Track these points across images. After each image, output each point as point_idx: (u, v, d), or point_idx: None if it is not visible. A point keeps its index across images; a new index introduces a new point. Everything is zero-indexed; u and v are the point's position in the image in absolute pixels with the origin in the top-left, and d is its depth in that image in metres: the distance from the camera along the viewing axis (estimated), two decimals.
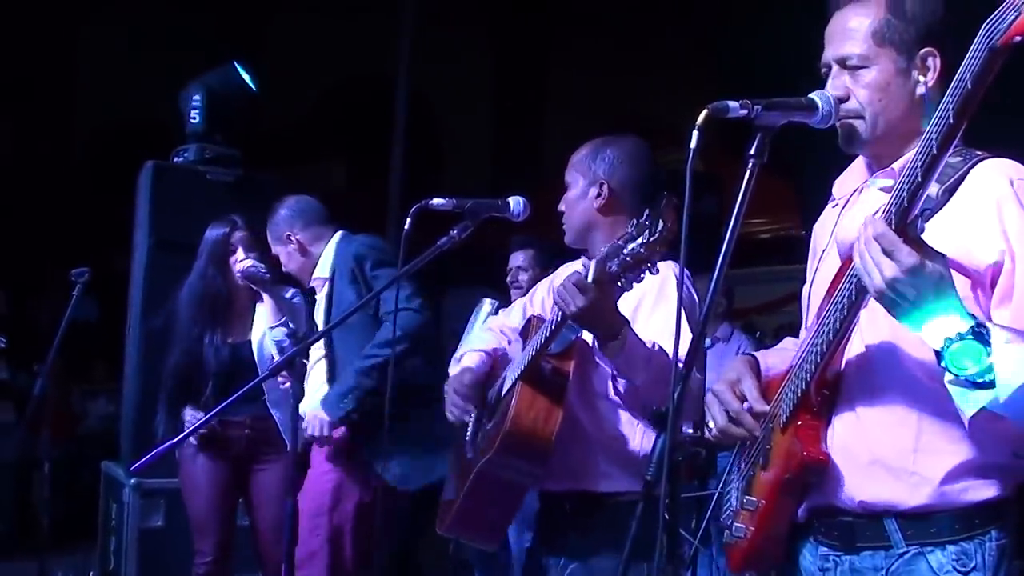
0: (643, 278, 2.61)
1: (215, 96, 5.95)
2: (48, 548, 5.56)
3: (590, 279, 2.68)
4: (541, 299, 3.46)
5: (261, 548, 4.81)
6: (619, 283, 2.64)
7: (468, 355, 3.39)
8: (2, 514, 8.35)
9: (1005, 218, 1.97)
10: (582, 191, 3.18)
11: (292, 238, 4.61)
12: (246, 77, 6.04)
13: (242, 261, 4.77)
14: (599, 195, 3.15)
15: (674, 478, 1.93)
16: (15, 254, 10.37)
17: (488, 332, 3.54)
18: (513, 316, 3.54)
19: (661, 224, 2.47)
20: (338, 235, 4.62)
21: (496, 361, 3.38)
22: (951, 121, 1.72)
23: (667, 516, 1.91)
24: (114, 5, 11.56)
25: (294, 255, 4.63)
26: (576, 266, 3.42)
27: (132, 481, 5.39)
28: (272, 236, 4.69)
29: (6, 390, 8.65)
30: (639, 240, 2.53)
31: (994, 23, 1.63)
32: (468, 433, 3.25)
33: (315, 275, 4.57)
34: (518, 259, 5.68)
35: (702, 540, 4.41)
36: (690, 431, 5.22)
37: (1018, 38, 1.61)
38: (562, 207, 3.23)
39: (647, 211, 2.54)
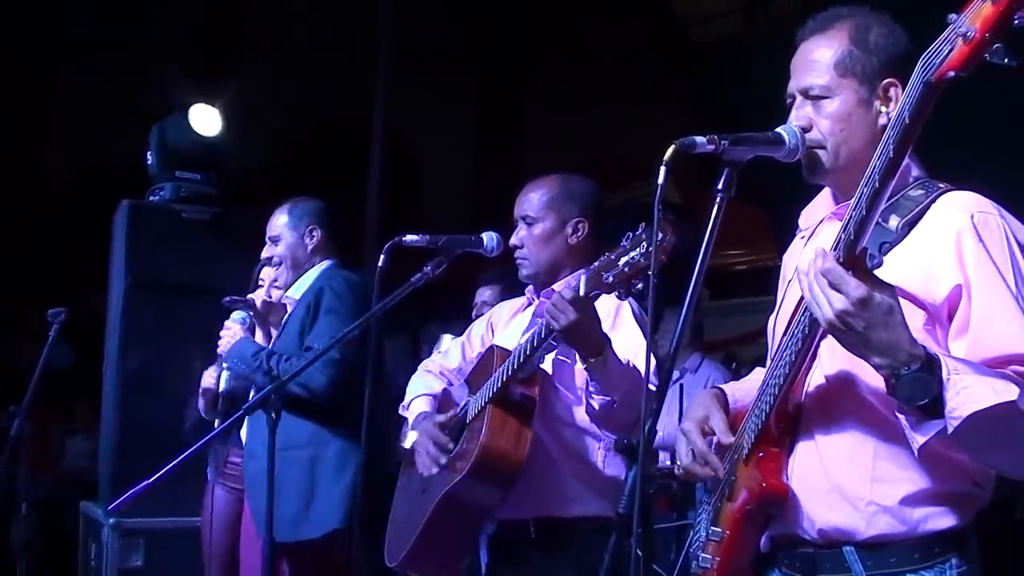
0: (638, 288, 2.62)
1: (168, 139, 5.96)
2: None
3: (582, 293, 2.69)
4: (480, 335, 3.52)
5: None
6: (616, 293, 2.65)
7: (419, 400, 3.42)
8: None
9: (963, 251, 1.97)
10: (554, 227, 3.23)
11: (314, 232, 4.49)
12: (198, 122, 6.02)
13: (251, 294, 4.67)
14: (576, 232, 3.22)
15: (647, 511, 1.94)
16: None
17: (429, 375, 3.56)
18: (451, 357, 3.59)
19: (661, 235, 2.46)
20: (326, 264, 4.50)
21: (443, 403, 3.42)
22: (891, 155, 1.75)
23: (640, 552, 1.91)
24: (91, 47, 11.57)
25: (300, 247, 4.49)
26: (512, 305, 3.48)
27: (111, 521, 5.35)
28: (291, 219, 4.53)
29: None
30: (637, 250, 2.56)
31: (929, 57, 1.66)
32: (420, 467, 3.22)
33: (288, 293, 4.47)
34: (484, 295, 5.38)
35: (680, 572, 4.41)
36: (668, 463, 5.23)
37: (951, 73, 1.62)
38: (517, 242, 3.26)
39: (642, 225, 2.57)
